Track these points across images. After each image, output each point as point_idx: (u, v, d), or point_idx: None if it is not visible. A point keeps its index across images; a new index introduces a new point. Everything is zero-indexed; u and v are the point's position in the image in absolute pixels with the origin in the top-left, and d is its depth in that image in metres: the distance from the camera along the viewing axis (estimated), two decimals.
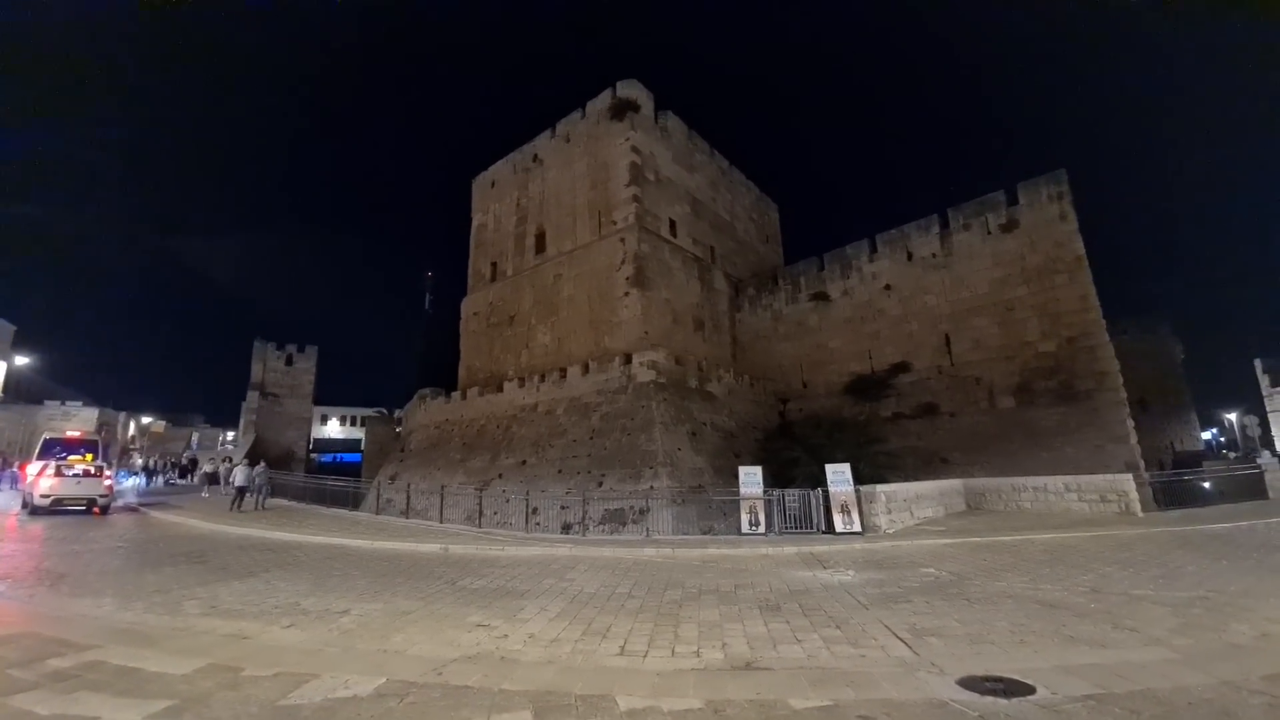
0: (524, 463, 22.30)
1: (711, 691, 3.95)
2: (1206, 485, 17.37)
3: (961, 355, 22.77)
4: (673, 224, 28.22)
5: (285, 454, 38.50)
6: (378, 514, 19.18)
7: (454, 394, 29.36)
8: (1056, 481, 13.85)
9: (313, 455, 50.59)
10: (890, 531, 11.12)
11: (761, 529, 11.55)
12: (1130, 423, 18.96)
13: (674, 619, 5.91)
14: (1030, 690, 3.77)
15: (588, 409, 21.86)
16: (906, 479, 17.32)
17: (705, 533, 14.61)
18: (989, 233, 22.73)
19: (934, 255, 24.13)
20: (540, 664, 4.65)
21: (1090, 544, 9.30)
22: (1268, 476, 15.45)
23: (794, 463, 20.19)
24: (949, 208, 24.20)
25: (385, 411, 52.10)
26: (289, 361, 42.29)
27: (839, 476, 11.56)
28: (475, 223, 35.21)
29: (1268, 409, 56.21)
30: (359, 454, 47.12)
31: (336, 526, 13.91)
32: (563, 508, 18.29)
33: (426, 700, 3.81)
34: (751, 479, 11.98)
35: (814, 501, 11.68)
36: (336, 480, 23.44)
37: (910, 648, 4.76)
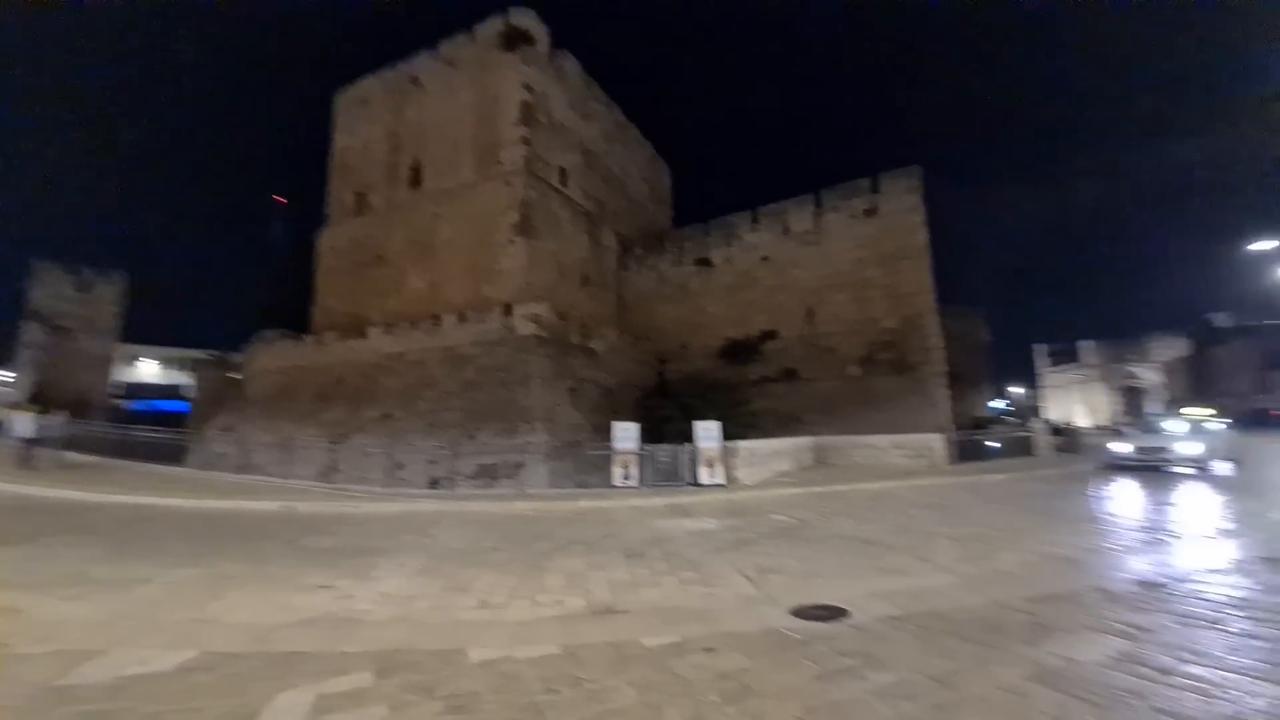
0: (389, 415, 20.76)
1: (569, 637, 4.00)
2: (995, 444, 21.25)
3: (822, 326, 25.05)
4: (564, 173, 27.14)
5: (78, 400, 32.00)
6: (206, 470, 16.80)
7: (307, 337, 26.23)
8: (884, 439, 16.02)
9: (120, 402, 42.76)
10: (749, 483, 12.11)
11: (634, 482, 11.95)
12: (945, 391, 22.38)
13: (540, 570, 5.90)
14: (846, 614, 4.30)
15: (463, 360, 20.78)
16: (767, 437, 18.99)
17: (580, 487, 14.83)
18: (854, 216, 24.90)
19: (807, 232, 25.96)
20: (389, 623, 4.38)
21: (905, 491, 10.92)
22: (1034, 438, 19.24)
23: (668, 420, 21.07)
24: (824, 189, 26.00)
25: (220, 354, 45.38)
26: (83, 288, 34.54)
27: (707, 434, 12.26)
28: (339, 144, 30.97)
29: (1041, 385, 69.69)
30: (185, 402, 40.70)
31: (149, 484, 11.94)
32: (430, 462, 17.46)
33: (245, 672, 3.39)
34: (626, 435, 12.28)
35: (683, 457, 12.30)
36: (152, 431, 20.14)
37: (754, 584, 5.21)
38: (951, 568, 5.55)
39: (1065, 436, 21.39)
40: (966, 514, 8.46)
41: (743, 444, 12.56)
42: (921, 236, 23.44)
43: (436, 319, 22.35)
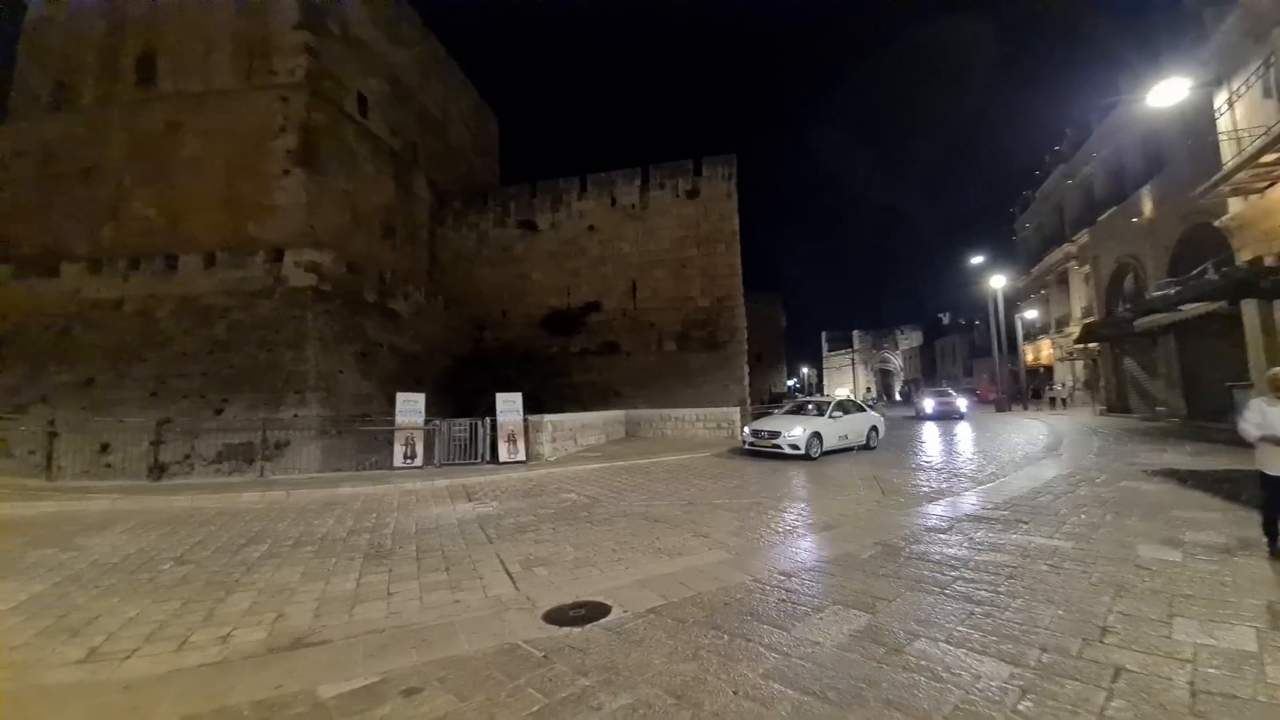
0: (90, 381, 15.71)
1: (205, 698, 2.73)
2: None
3: (643, 301, 25.42)
4: (363, 100, 23.04)
5: None
6: None
7: None
8: (690, 413, 16.69)
9: None
10: (552, 459, 11.41)
11: (418, 461, 10.43)
12: (747, 369, 24.41)
13: (226, 588, 4.36)
14: (606, 611, 3.73)
15: (209, 314, 16.53)
16: (584, 409, 18.66)
17: (364, 468, 12.69)
18: (678, 196, 25.51)
19: (634, 206, 25.94)
20: None
21: (700, 464, 11.24)
22: None
23: (481, 391, 19.45)
24: (651, 165, 26.15)
25: None
26: None
27: (508, 406, 11.22)
28: (32, 12, 22.24)
29: (824, 365, 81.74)
30: None
31: None
32: (156, 443, 13.62)
33: None
34: (410, 407, 10.63)
35: (481, 432, 11.10)
36: None
37: (514, 582, 4.42)
38: (724, 542, 5.41)
39: None
40: (748, 484, 8.79)
41: (549, 418, 11.79)
42: (734, 221, 24.96)
43: (172, 260, 17.41)
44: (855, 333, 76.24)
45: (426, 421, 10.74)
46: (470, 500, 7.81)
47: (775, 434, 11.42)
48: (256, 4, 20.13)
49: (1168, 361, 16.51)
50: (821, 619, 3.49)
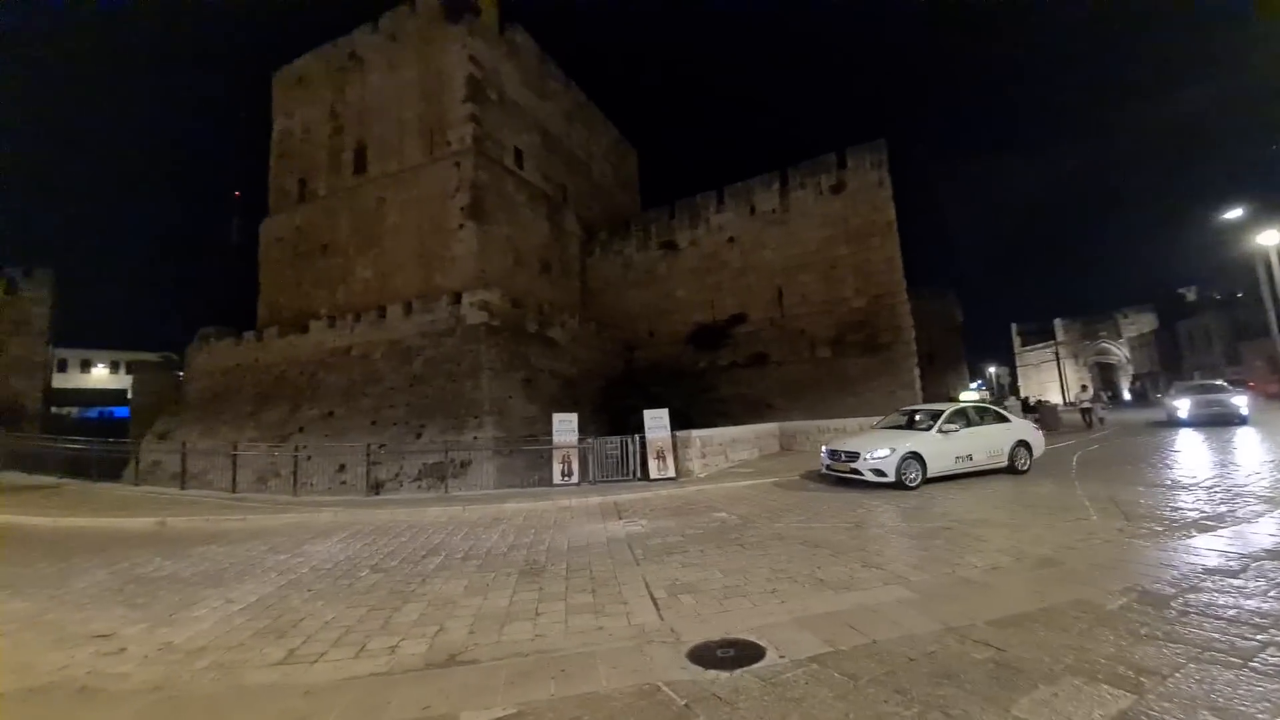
0: (331, 414, 19.35)
1: (364, 712, 2.85)
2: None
3: (791, 308, 24.11)
4: (519, 154, 25.69)
5: (9, 408, 29.77)
6: (138, 484, 15.16)
7: (246, 334, 24.53)
8: (852, 423, 15.10)
9: (63, 410, 40.33)
10: (702, 475, 11.06)
11: (574, 478, 10.82)
12: (917, 371, 21.64)
13: (403, 598, 4.74)
14: (760, 654, 3.23)
15: (409, 353, 19.40)
16: (737, 423, 18.05)
17: (529, 484, 13.66)
18: (821, 193, 23.92)
19: (774, 211, 24.93)
20: (135, 693, 3.18)
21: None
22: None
23: (633, 410, 20.00)
24: (789, 167, 24.97)
25: (173, 355, 43.15)
26: (9, 290, 32.02)
27: (656, 422, 11.17)
28: (277, 128, 29.05)
29: (1017, 364, 70.17)
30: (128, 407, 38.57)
31: (31, 501, 10.47)
32: (374, 464, 16.12)
33: None
34: (565, 426, 11.13)
35: (631, 449, 11.20)
36: (73, 441, 18.43)
37: (659, 610, 4.13)
38: (905, 577, 4.52)
39: (1038, 413, 20.77)
40: (931, 504, 7.48)
41: (696, 433, 11.48)
42: (889, 212, 22.56)
43: (382, 310, 20.91)
44: (1057, 321, 63.90)
45: (580, 440, 11.15)
46: (620, 518, 7.77)
47: (853, 455, 8.96)
48: (434, 90, 23.71)
49: None
50: (1056, 695, 2.59)
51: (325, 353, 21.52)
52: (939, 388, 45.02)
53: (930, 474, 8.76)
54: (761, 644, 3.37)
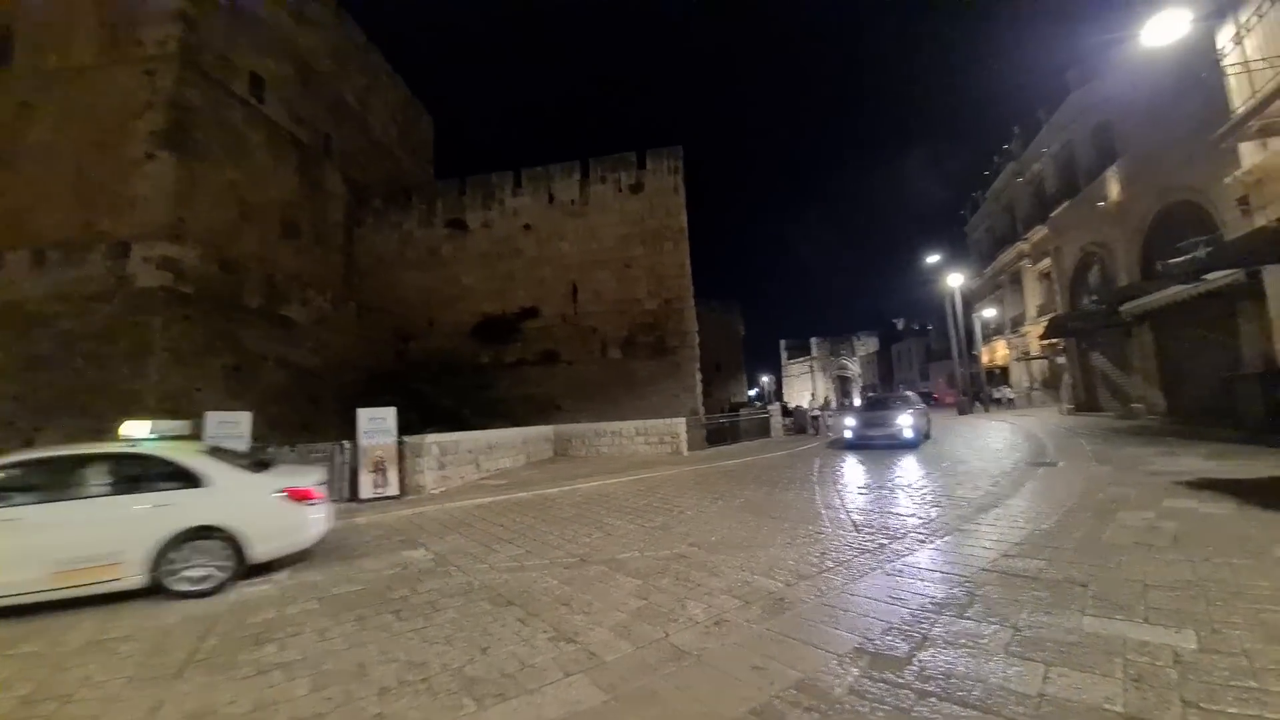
0: None
1: None
2: (742, 426, 21.84)
3: (585, 305, 23.11)
4: (258, 82, 20.12)
5: None
6: None
7: None
8: (629, 426, 14.40)
9: None
10: (436, 492, 8.88)
11: None
12: (699, 375, 22.34)
13: None
14: None
15: (29, 323, 13.28)
16: (519, 425, 16.15)
17: None
18: (620, 190, 23.44)
19: (573, 202, 23.72)
20: None
21: (624, 489, 8.91)
22: (771, 420, 20.01)
23: (400, 410, 16.80)
24: (591, 158, 24.09)
25: None
26: None
27: (376, 425, 8.66)
28: None
29: (783, 374, 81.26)
30: None
31: None
32: None
33: None
34: (227, 429, 7.93)
35: (340, 459, 8.48)
36: None
37: None
38: (600, 656, 3.08)
39: (794, 418, 23.12)
40: (677, 520, 6.52)
41: (434, 438, 9.25)
42: (682, 218, 23.04)
43: None
44: (813, 340, 75.91)
45: (253, 447, 8.04)
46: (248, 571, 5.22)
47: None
48: None
49: (1144, 355, 15.27)
50: None
51: None
52: (723, 393, 49.25)
53: None
54: None
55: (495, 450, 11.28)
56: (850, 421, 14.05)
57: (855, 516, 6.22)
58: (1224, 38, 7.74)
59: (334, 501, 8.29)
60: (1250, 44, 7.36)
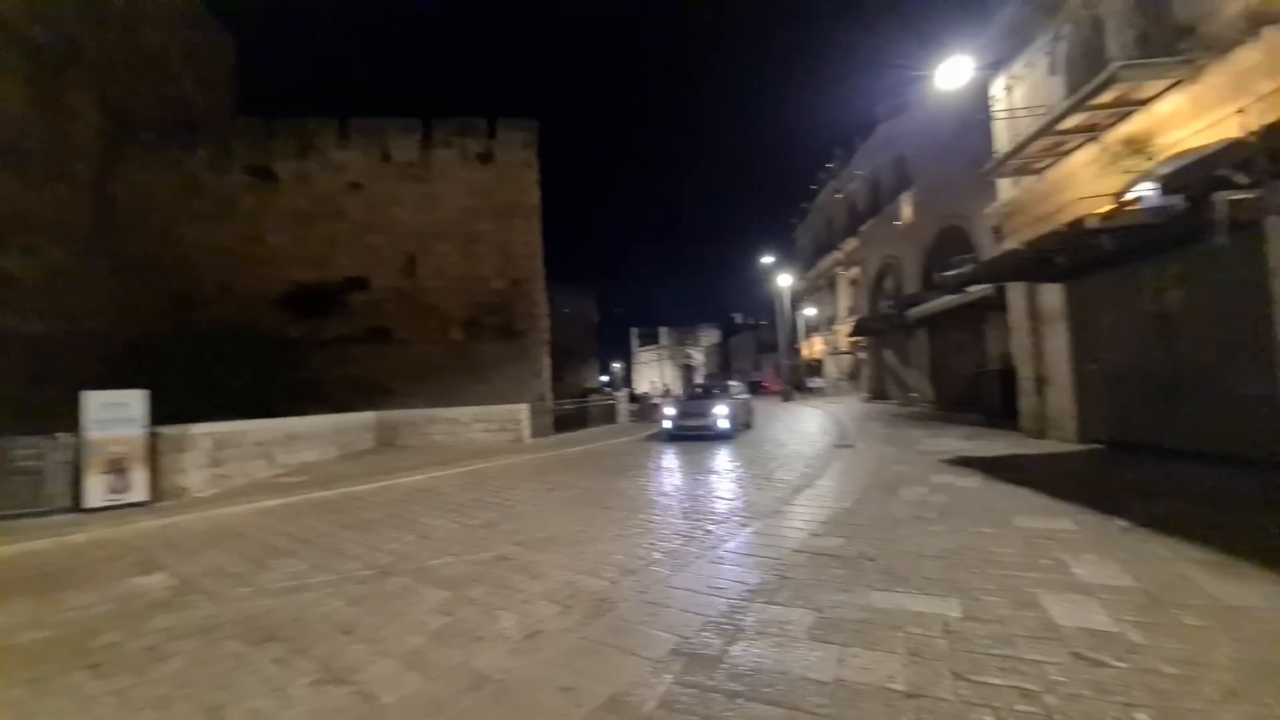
0: None
1: None
2: (590, 413, 21.78)
3: (424, 280, 21.05)
4: None
5: None
6: None
7: None
8: (467, 412, 13.41)
9: None
10: (207, 495, 7.21)
11: None
12: (548, 360, 21.75)
13: None
14: None
15: None
16: (337, 411, 14.03)
17: None
18: (467, 158, 21.67)
19: (412, 164, 21.35)
20: None
21: (450, 482, 8.14)
22: (617, 406, 20.27)
23: (175, 393, 13.51)
24: (435, 118, 21.91)
25: None
26: None
27: (113, 413, 6.73)
28: None
29: (633, 362, 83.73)
30: None
31: None
32: None
33: None
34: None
35: (55, 459, 6.42)
36: None
37: None
38: (377, 698, 2.51)
39: (640, 404, 23.77)
40: (506, 516, 6.04)
41: (201, 428, 7.48)
42: (535, 195, 22.08)
43: None
44: (663, 329, 79.46)
45: None
46: None
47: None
48: None
49: (920, 352, 18.33)
50: None
51: None
52: (575, 379, 49.17)
53: None
54: None
55: (298, 441, 9.59)
56: (670, 411, 13.33)
57: (685, 503, 6.31)
58: (997, 87, 9.27)
59: (40, 513, 6.27)
60: (1018, 93, 8.86)
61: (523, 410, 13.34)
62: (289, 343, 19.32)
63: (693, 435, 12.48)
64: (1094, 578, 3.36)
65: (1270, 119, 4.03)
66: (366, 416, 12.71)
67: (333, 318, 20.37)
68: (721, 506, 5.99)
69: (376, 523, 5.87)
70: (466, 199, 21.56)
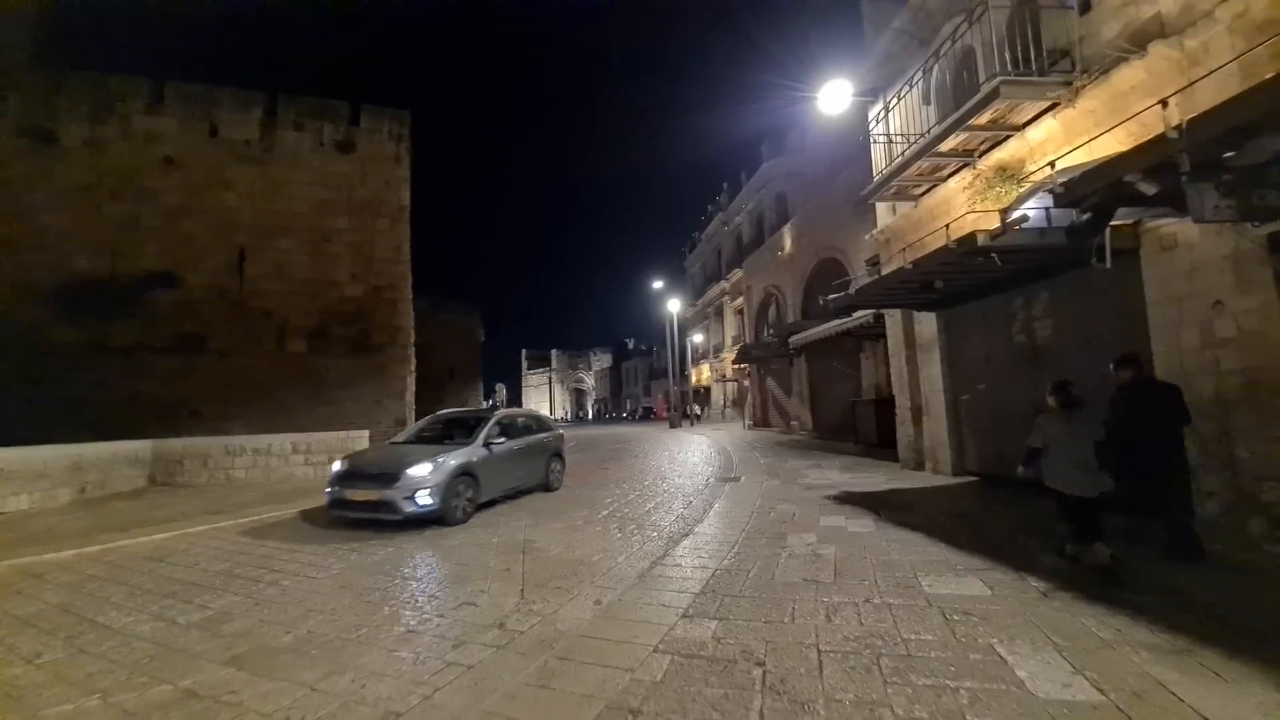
0: None
1: None
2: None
3: (257, 281, 17.64)
4: None
5: None
6: None
7: None
8: (284, 441, 10.82)
9: None
10: None
11: None
12: (412, 379, 19.17)
13: None
14: None
15: None
16: (125, 437, 10.60)
17: None
18: (322, 144, 18.83)
19: (249, 144, 18.05)
20: None
21: (210, 543, 5.87)
22: None
23: None
24: (281, 94, 18.88)
25: None
26: None
27: None
28: None
29: (523, 384, 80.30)
30: None
31: None
32: None
33: None
34: None
35: None
36: None
37: None
38: None
39: None
40: (255, 601, 4.17)
41: None
42: (404, 195, 19.68)
43: None
44: (554, 352, 77.28)
45: None
46: None
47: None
48: None
49: (800, 381, 18.58)
50: None
51: None
52: (456, 401, 45.35)
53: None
54: None
55: (14, 480, 6.69)
56: (337, 468, 6.83)
57: (531, 562, 4.86)
58: (874, 114, 9.20)
59: None
60: (894, 121, 8.76)
61: (362, 437, 11.03)
62: (58, 348, 15.00)
63: (364, 517, 6.37)
64: (1048, 688, 2.46)
65: (1156, 132, 3.65)
66: (135, 446, 9.65)
67: (128, 320, 16.23)
68: (572, 573, 4.62)
69: (22, 621, 3.70)
70: (320, 191, 18.62)
